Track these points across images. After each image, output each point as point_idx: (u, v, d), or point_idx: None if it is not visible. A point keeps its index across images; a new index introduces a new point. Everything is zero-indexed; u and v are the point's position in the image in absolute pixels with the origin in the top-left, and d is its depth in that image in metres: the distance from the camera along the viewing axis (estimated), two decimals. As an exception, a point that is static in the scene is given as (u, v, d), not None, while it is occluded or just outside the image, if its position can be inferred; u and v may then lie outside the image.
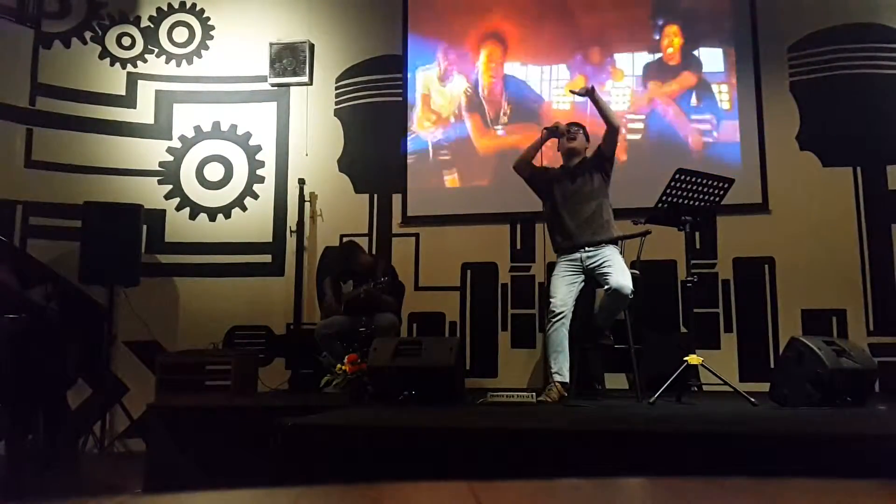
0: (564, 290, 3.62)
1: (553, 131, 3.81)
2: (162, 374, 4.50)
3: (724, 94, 4.90)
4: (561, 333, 3.54)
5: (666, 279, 4.70)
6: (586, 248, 3.64)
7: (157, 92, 5.53)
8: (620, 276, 3.50)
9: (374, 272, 4.53)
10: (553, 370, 3.55)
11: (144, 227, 5.15)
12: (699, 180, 3.45)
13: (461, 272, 5.08)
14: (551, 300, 3.63)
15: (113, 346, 5.05)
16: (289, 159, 5.43)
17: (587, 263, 3.64)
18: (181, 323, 5.24)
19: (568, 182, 3.77)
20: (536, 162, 3.89)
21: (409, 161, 5.25)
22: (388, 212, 5.26)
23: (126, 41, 5.54)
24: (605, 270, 3.55)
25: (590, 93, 3.69)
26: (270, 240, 5.36)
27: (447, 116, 5.27)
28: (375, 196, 5.30)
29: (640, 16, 5.10)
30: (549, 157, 3.94)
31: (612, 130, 3.71)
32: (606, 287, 3.54)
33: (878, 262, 4.57)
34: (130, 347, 5.13)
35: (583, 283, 3.66)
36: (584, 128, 3.89)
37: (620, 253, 3.74)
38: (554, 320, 3.56)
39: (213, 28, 5.63)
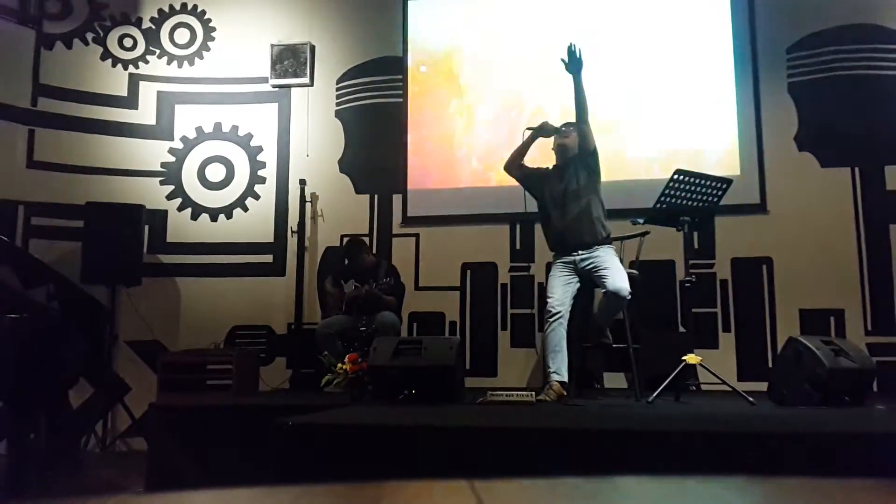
0: (561, 290, 3.63)
1: (539, 130, 3.80)
2: (163, 373, 4.52)
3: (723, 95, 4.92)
4: (559, 333, 3.56)
5: (664, 279, 4.71)
6: (579, 252, 3.65)
7: (159, 93, 5.55)
8: (617, 278, 3.50)
9: (376, 273, 4.54)
10: (551, 370, 3.56)
11: (146, 227, 5.17)
12: (697, 181, 3.46)
13: (461, 272, 5.10)
14: (548, 300, 3.64)
15: (115, 345, 5.07)
16: (290, 160, 5.44)
17: (581, 266, 3.64)
18: (183, 322, 5.26)
19: (556, 181, 3.78)
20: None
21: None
22: (388, 212, 5.28)
23: (128, 42, 5.56)
24: (601, 273, 3.56)
25: (568, 66, 3.61)
26: (272, 240, 5.37)
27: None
28: (376, 196, 5.32)
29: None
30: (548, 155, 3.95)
31: (582, 124, 3.66)
32: (604, 290, 3.55)
33: (877, 262, 4.59)
34: (132, 347, 5.15)
35: (579, 284, 3.68)
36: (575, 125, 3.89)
37: (618, 252, 3.75)
38: (551, 320, 3.57)
39: (214, 30, 5.64)
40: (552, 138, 3.84)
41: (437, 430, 2.43)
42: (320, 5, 5.57)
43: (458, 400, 3.48)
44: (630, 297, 3.50)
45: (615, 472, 2.08)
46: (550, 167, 3.90)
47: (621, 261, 3.77)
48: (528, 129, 3.84)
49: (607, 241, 3.70)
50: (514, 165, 3.89)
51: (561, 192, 3.73)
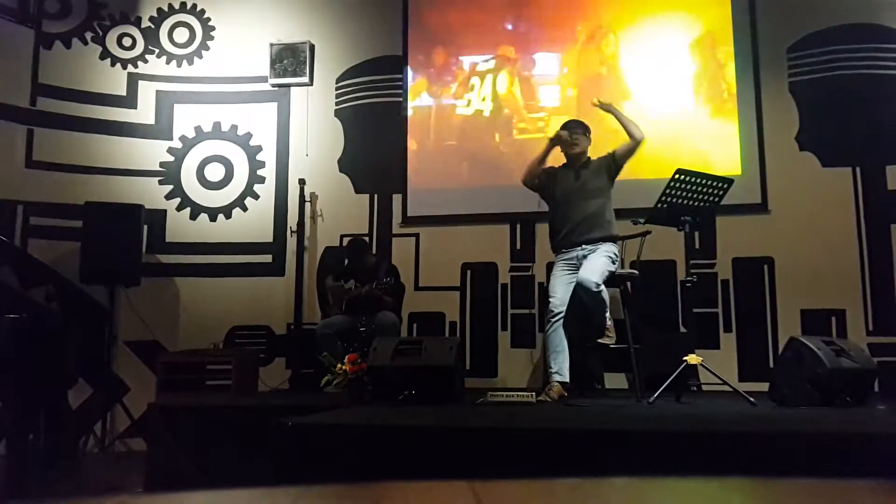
0: (563, 290, 3.63)
1: (556, 141, 3.83)
2: (163, 373, 4.51)
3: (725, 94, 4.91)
4: (560, 333, 3.55)
5: (665, 279, 4.70)
6: (584, 247, 3.66)
7: (158, 92, 5.54)
8: (588, 271, 3.51)
9: (377, 273, 4.54)
10: (553, 370, 3.56)
11: (145, 227, 5.16)
12: (698, 180, 3.45)
13: (461, 272, 5.09)
14: (550, 300, 3.64)
15: (114, 345, 5.06)
16: (289, 159, 5.44)
17: (582, 263, 3.65)
18: (182, 323, 5.25)
19: (572, 179, 3.79)
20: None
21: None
22: (388, 212, 5.27)
23: (127, 42, 5.55)
24: (583, 264, 3.59)
25: (605, 106, 3.76)
26: (271, 240, 5.37)
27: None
28: (375, 196, 5.31)
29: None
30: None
31: (634, 143, 3.72)
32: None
33: (878, 262, 4.58)
34: (131, 347, 5.14)
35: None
36: (582, 125, 3.89)
37: (619, 252, 3.75)
38: (553, 320, 3.57)
39: (213, 29, 5.64)
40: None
41: (437, 430, 2.43)
42: (320, 4, 5.57)
43: (458, 401, 3.47)
44: (598, 289, 3.48)
45: (615, 472, 2.07)
46: (559, 165, 3.90)
47: (622, 261, 3.77)
48: (550, 139, 3.85)
49: (612, 238, 3.71)
50: (534, 175, 3.88)
51: (577, 188, 3.75)
